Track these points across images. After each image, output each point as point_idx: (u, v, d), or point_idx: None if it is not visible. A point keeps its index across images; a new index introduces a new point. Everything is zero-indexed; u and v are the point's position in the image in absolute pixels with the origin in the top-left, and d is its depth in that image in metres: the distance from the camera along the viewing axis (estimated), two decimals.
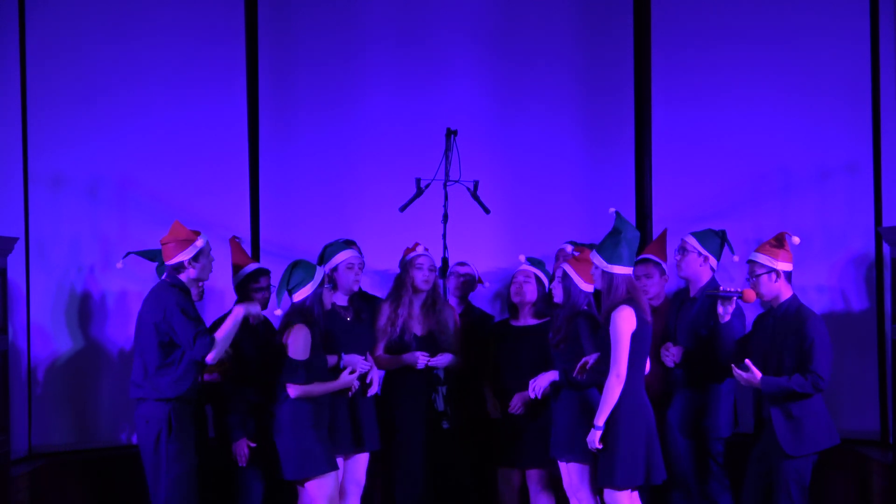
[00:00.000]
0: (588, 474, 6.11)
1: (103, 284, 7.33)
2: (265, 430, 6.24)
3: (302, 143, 7.92)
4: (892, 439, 7.04)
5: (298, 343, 6.04)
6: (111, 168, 7.38)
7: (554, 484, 6.47)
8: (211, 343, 5.94)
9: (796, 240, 6.01)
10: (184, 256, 6.07)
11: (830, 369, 5.91)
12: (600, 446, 5.68)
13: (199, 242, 6.09)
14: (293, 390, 6.04)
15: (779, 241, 6.01)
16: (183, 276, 6.09)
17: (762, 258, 6.01)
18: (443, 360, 6.58)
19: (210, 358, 5.95)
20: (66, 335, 7.24)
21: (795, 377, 5.86)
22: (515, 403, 6.46)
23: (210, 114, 7.69)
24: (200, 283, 6.30)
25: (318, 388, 6.09)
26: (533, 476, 6.53)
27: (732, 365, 5.98)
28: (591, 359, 6.00)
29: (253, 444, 6.32)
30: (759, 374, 5.88)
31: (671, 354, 6.37)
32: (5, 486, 6.55)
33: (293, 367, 6.02)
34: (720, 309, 6.11)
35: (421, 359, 6.53)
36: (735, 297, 6.06)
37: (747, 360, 5.92)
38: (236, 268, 6.64)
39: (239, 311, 6.08)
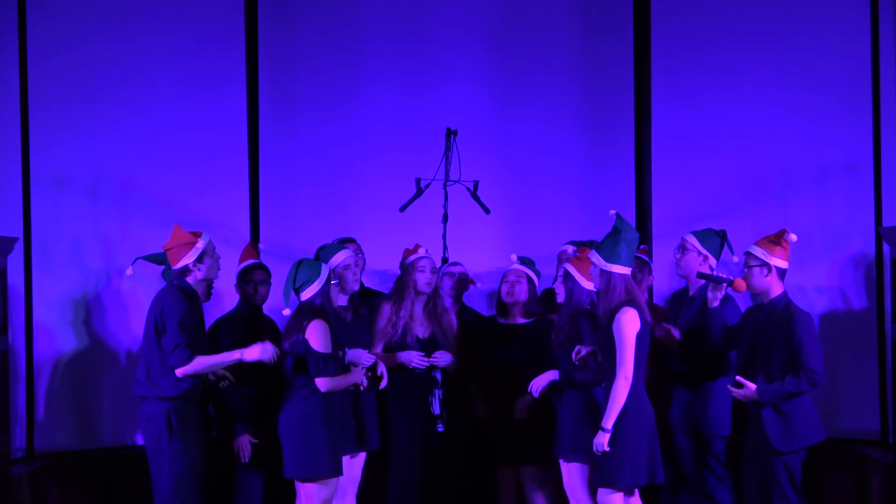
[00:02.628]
0: (580, 473, 6.13)
1: (105, 284, 7.33)
2: (267, 429, 6.26)
3: (302, 142, 7.93)
4: (892, 439, 7.04)
5: (320, 337, 6.03)
6: (112, 168, 7.39)
7: (549, 481, 6.47)
8: (188, 357, 5.97)
9: (793, 237, 6.01)
10: (187, 260, 6.11)
11: (822, 363, 5.91)
12: (609, 449, 5.67)
13: (200, 244, 6.12)
14: (323, 384, 6.01)
15: (777, 238, 6.02)
16: (190, 279, 6.14)
17: (757, 251, 6.02)
18: (444, 358, 6.56)
19: (180, 371, 5.98)
20: (67, 335, 7.24)
21: (789, 379, 5.86)
22: (520, 409, 6.45)
23: (210, 114, 7.69)
24: (211, 282, 6.31)
25: (341, 381, 6.10)
26: (527, 473, 6.53)
27: (728, 386, 6.00)
28: (583, 350, 6.02)
29: (255, 440, 6.33)
30: (753, 387, 5.89)
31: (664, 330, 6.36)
32: (5, 487, 6.55)
33: (321, 360, 6.01)
34: (710, 293, 6.14)
35: (416, 359, 6.52)
36: (725, 284, 6.07)
37: (738, 378, 5.93)
38: (243, 260, 6.75)
39: (252, 354, 6.04)
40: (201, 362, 6.02)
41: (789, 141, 7.49)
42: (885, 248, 7.11)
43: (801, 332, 5.87)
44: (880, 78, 7.25)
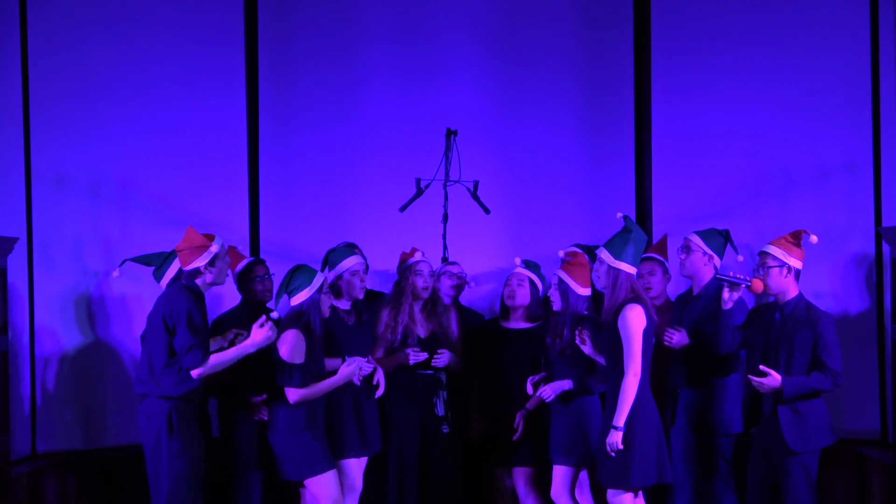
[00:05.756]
0: (570, 478, 6.15)
1: (106, 284, 7.33)
2: (264, 430, 6.27)
3: (302, 143, 7.92)
4: (892, 439, 7.04)
5: (290, 346, 6.05)
6: (112, 168, 7.39)
7: (543, 484, 6.48)
8: (203, 359, 5.98)
9: (814, 238, 6.01)
10: (200, 262, 6.11)
11: (842, 366, 5.92)
12: (622, 447, 5.67)
13: (214, 248, 6.13)
14: (291, 395, 6.05)
15: (796, 238, 6.02)
16: (199, 281, 6.14)
17: (776, 251, 6.00)
18: (443, 358, 6.57)
19: (196, 373, 5.99)
20: (69, 335, 7.23)
21: (815, 375, 5.86)
22: (518, 424, 6.43)
23: (210, 114, 7.69)
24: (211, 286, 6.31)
25: (315, 388, 6.09)
26: (520, 474, 6.53)
27: (750, 376, 5.96)
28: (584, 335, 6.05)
29: (259, 398, 6.32)
30: (778, 377, 5.86)
31: (674, 336, 6.33)
32: (5, 487, 6.55)
33: (287, 370, 6.03)
34: (725, 295, 6.10)
35: (412, 355, 6.51)
36: (743, 285, 6.05)
37: (762, 367, 5.90)
38: (234, 270, 6.72)
39: (257, 337, 6.02)
40: (213, 364, 6.03)
41: (789, 141, 7.49)
42: (885, 248, 7.11)
43: (828, 334, 5.88)
44: (880, 78, 7.24)
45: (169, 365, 6.05)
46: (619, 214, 5.89)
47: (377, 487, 6.66)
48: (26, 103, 7.12)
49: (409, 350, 6.51)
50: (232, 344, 6.31)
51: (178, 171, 7.57)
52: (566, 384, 6.21)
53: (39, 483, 6.91)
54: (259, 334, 6.01)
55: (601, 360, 6.09)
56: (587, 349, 6.12)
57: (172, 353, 6.05)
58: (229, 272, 6.72)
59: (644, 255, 6.77)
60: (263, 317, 6.05)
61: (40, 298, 7.12)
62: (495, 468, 6.65)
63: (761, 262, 6.04)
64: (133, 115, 7.45)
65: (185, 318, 5.99)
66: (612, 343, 5.75)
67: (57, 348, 7.20)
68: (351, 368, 6.18)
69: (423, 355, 6.51)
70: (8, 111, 7.06)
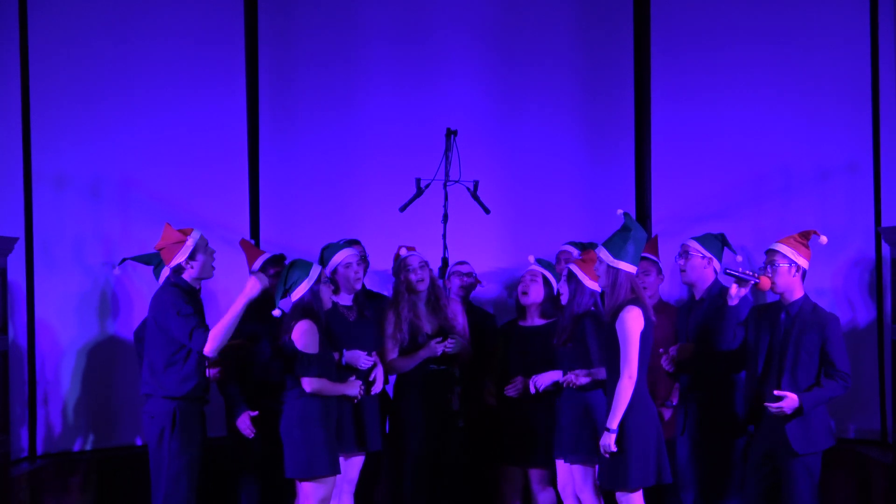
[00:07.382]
0: (591, 475, 6.12)
1: (107, 284, 7.33)
2: (267, 431, 6.26)
3: (302, 143, 7.93)
4: (892, 439, 7.04)
5: (306, 337, 6.04)
6: (113, 168, 7.40)
7: (556, 482, 6.48)
8: (206, 335, 5.96)
9: (824, 239, 5.98)
10: (180, 258, 6.12)
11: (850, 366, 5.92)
12: (615, 449, 5.65)
13: (190, 242, 6.13)
14: (308, 384, 6.03)
15: (805, 238, 6.00)
16: (186, 276, 6.13)
17: (785, 249, 5.96)
18: (454, 344, 6.54)
19: (208, 350, 5.98)
20: (69, 335, 7.24)
21: (827, 384, 5.83)
22: (517, 384, 6.44)
23: (210, 114, 7.70)
24: (200, 281, 6.31)
25: (329, 386, 6.10)
26: (535, 475, 6.54)
27: (767, 404, 5.86)
28: (574, 375, 6.07)
29: (254, 413, 6.36)
30: (796, 398, 5.80)
31: (670, 354, 6.33)
32: (5, 487, 6.55)
33: (305, 361, 6.02)
34: (733, 290, 6.08)
35: (437, 347, 6.51)
36: (752, 282, 6.03)
37: (776, 392, 5.84)
38: (253, 261, 6.77)
39: (253, 289, 5.99)
40: (217, 331, 5.99)
41: (789, 141, 7.49)
42: (885, 248, 7.11)
43: (835, 336, 5.86)
44: (880, 78, 7.24)
45: (169, 365, 6.06)
46: (620, 211, 5.89)
47: (391, 483, 6.66)
48: (26, 103, 7.13)
49: (433, 342, 6.51)
50: (240, 348, 6.30)
51: (178, 171, 7.58)
52: (556, 374, 6.21)
53: (39, 483, 6.91)
54: (255, 287, 5.99)
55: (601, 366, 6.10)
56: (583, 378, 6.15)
57: (172, 352, 6.06)
58: (247, 266, 6.75)
59: None
60: (261, 274, 6.07)
61: (41, 298, 7.13)
62: (507, 466, 6.65)
63: (769, 260, 6.00)
64: (133, 115, 7.46)
65: (171, 312, 6.00)
66: (610, 344, 5.74)
67: (57, 348, 7.20)
68: (358, 386, 6.20)
69: (442, 347, 6.51)
70: (8, 111, 7.07)
